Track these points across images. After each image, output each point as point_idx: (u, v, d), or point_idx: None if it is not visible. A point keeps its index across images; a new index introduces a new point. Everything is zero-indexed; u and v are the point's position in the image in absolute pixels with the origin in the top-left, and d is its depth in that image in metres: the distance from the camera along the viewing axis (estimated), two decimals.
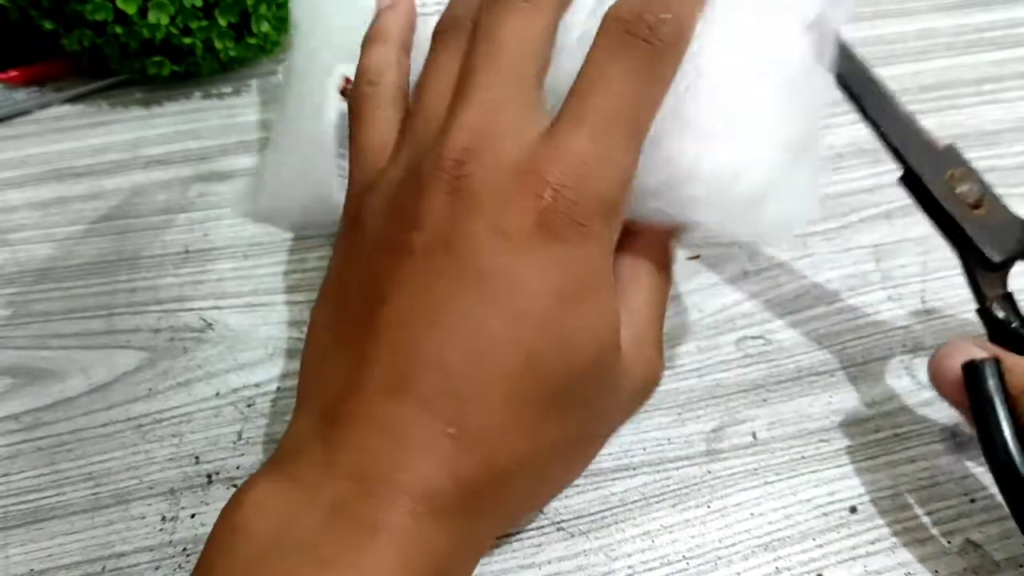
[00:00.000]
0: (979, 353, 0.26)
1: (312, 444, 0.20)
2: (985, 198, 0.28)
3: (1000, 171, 0.39)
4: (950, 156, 0.28)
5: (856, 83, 0.28)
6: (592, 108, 0.21)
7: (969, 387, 0.25)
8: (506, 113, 0.21)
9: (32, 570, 0.26)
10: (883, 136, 0.28)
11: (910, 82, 0.45)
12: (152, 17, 0.39)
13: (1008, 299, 0.28)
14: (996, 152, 0.41)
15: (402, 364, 0.20)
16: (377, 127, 0.24)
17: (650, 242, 0.25)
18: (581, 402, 0.21)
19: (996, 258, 0.27)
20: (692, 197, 0.22)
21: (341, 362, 0.21)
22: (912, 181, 0.28)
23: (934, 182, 0.27)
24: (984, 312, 0.27)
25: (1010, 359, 0.25)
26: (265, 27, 0.42)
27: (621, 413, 0.25)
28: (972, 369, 0.25)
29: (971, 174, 0.28)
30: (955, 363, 0.26)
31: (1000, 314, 0.27)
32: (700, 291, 0.34)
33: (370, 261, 0.22)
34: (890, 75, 0.45)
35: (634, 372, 0.23)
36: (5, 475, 0.28)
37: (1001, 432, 0.24)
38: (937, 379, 0.27)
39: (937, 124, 0.42)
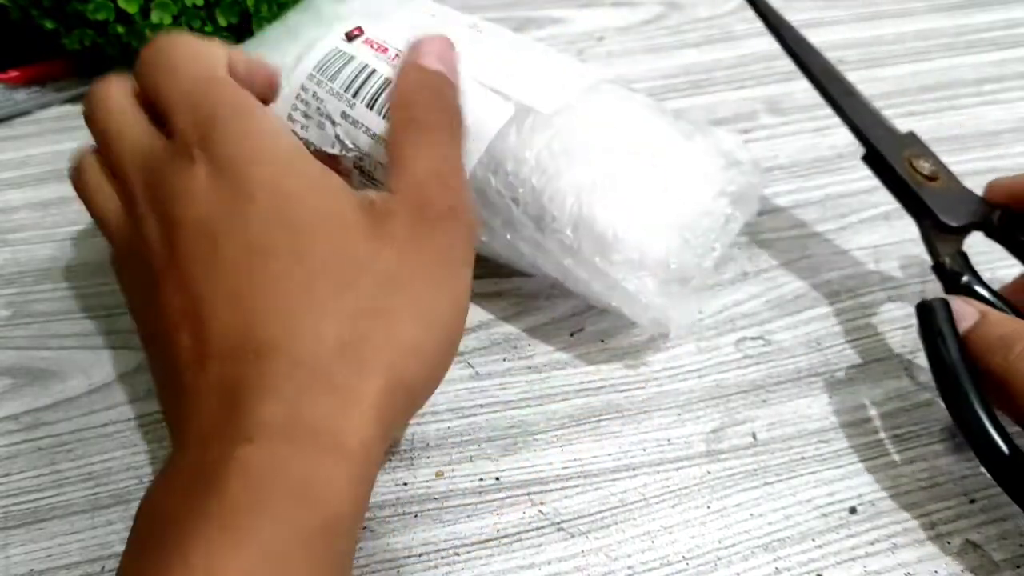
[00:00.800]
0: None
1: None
2: (941, 174, 0.31)
3: (1001, 171, 0.39)
4: (910, 140, 0.32)
5: (823, 77, 0.33)
6: None
7: (921, 325, 0.28)
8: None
9: (32, 570, 0.26)
10: (848, 120, 0.32)
11: (910, 82, 0.45)
12: (155, 17, 0.39)
13: (962, 256, 0.30)
14: (996, 152, 0.41)
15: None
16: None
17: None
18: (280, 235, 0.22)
19: (952, 222, 0.30)
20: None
21: None
22: (874, 158, 0.31)
23: (893, 157, 0.31)
24: (938, 267, 0.30)
25: (993, 314, 0.27)
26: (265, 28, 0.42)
27: (389, 239, 0.23)
28: (923, 308, 0.28)
29: (928, 154, 0.31)
30: None
31: (952, 268, 0.29)
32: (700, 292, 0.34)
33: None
34: (890, 75, 0.45)
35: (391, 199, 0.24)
36: (5, 475, 0.28)
37: (952, 363, 0.27)
38: None
39: (937, 124, 0.42)
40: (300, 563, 0.19)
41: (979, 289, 0.29)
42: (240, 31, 0.42)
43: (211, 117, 0.23)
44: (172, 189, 0.23)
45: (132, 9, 0.38)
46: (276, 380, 0.20)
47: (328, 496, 0.20)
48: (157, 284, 0.23)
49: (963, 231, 0.30)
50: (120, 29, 0.39)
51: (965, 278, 0.29)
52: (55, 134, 0.41)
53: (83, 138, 0.42)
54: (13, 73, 0.43)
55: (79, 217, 0.37)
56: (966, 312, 0.27)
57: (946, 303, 0.27)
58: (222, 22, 0.41)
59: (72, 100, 0.43)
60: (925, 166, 0.31)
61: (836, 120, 0.42)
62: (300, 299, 0.22)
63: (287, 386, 0.20)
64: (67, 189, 0.39)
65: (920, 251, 0.36)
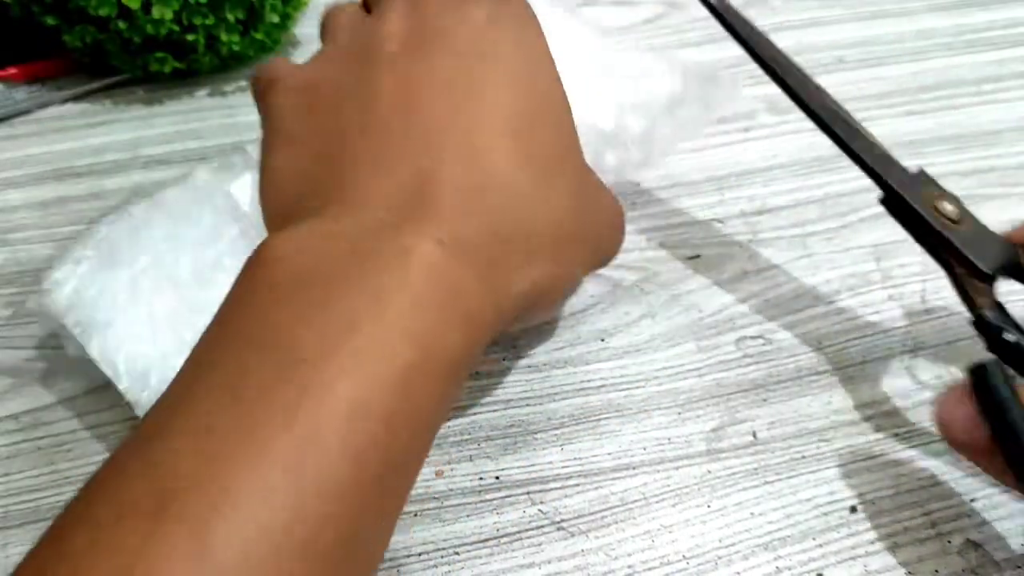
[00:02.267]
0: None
1: (333, 196, 0.22)
2: (964, 215, 0.29)
3: (1000, 171, 0.39)
4: (924, 179, 0.29)
5: (827, 116, 0.30)
6: None
7: (978, 388, 0.25)
8: None
9: None
10: (861, 163, 0.30)
11: (910, 82, 0.45)
12: (156, 12, 0.38)
13: (1000, 308, 0.28)
14: (996, 152, 0.41)
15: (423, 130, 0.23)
16: None
17: None
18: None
19: (987, 268, 0.28)
20: None
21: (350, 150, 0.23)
22: (895, 202, 0.29)
23: (917, 201, 0.29)
24: (980, 320, 0.28)
25: None
26: (275, 17, 0.42)
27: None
28: (979, 370, 0.25)
29: (947, 194, 0.29)
30: (957, 402, 0.25)
31: (995, 321, 0.27)
32: (700, 291, 0.34)
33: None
34: (889, 75, 0.45)
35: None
36: (5, 475, 0.28)
37: (1020, 422, 0.23)
38: (945, 426, 0.26)
39: (937, 124, 0.42)
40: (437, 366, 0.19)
41: None
42: (246, 27, 0.42)
43: None
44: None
45: (134, 4, 0.38)
46: (473, 205, 0.22)
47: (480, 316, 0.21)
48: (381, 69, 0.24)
49: (994, 277, 0.28)
50: (122, 25, 0.39)
51: (1012, 337, 0.27)
52: (55, 134, 0.41)
53: (82, 137, 0.42)
54: (12, 70, 0.43)
55: (79, 217, 0.37)
56: None
57: (1000, 363, 0.25)
58: (230, 17, 0.40)
59: (72, 99, 0.43)
60: (949, 208, 0.29)
61: None
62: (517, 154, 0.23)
63: (483, 213, 0.22)
64: (67, 189, 0.40)
65: (920, 249, 0.36)
